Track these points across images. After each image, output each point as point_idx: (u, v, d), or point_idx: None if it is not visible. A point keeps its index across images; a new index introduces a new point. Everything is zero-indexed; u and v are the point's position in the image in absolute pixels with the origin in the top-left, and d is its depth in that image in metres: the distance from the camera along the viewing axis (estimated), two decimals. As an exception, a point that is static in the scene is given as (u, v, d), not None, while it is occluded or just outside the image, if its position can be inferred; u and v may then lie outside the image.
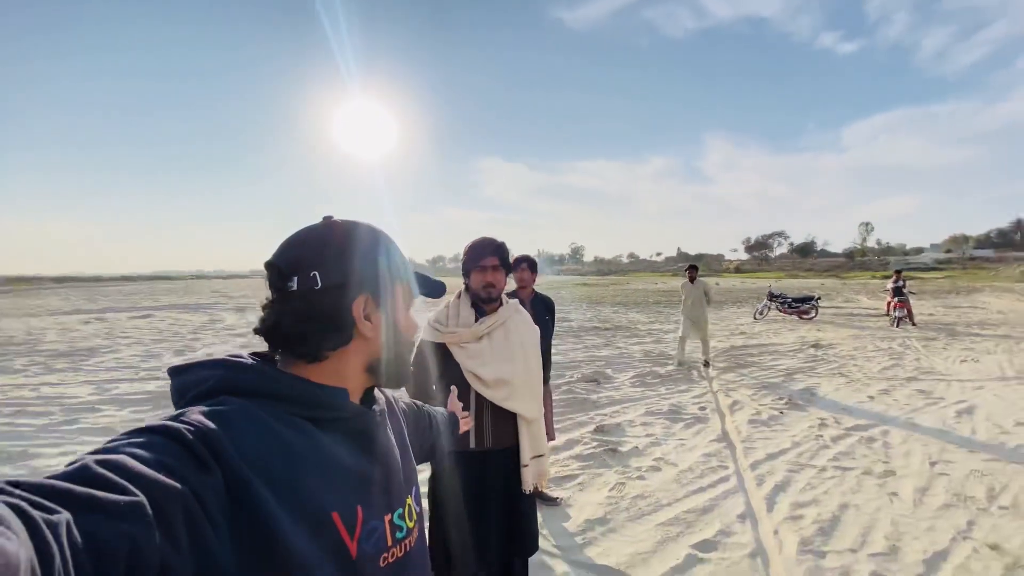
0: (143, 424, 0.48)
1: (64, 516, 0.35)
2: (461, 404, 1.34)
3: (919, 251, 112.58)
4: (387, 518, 0.65)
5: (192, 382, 0.58)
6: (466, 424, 1.28)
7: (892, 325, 11.55)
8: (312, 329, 0.63)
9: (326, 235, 0.66)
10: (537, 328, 1.93)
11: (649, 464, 3.64)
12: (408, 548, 0.68)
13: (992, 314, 14.16)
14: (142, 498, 0.40)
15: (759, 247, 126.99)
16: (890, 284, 12.25)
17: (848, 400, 5.35)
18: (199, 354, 0.63)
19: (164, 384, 5.83)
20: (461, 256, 1.83)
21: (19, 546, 0.30)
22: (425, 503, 1.61)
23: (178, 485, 0.43)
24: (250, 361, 0.61)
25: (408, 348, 0.73)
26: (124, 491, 0.39)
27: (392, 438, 0.74)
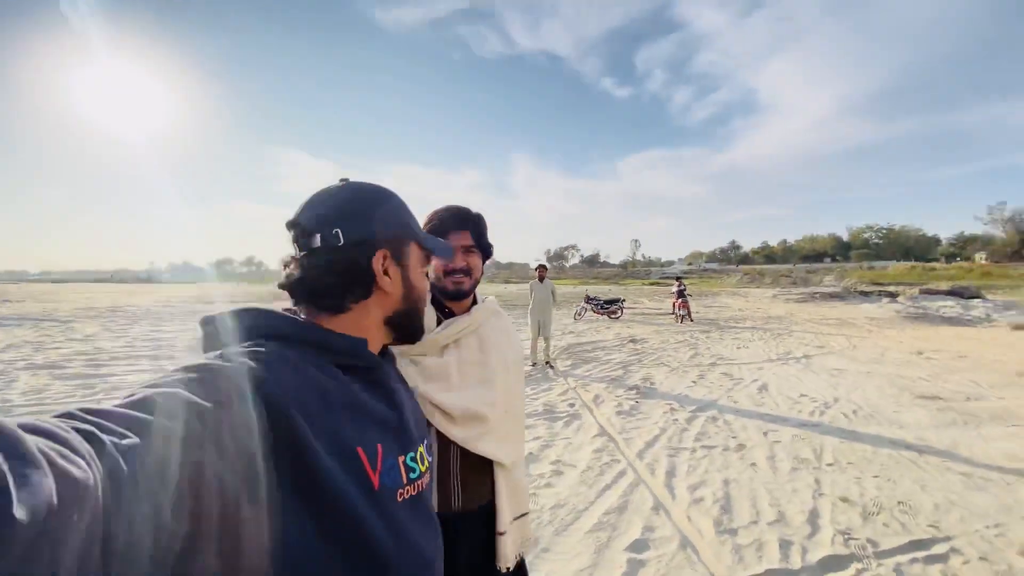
0: (189, 362, 0.50)
1: (133, 441, 0.37)
2: None
3: (670, 263, 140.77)
4: (401, 459, 0.65)
5: (227, 328, 0.59)
6: None
7: (677, 321, 13.93)
8: (335, 282, 0.65)
9: (346, 195, 0.69)
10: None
11: (550, 469, 3.49)
12: (420, 488, 0.69)
13: (736, 311, 18.24)
14: (199, 425, 0.42)
15: (557, 258, 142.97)
16: (675, 288, 14.82)
17: (679, 386, 6.09)
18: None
19: None
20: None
21: (88, 472, 0.31)
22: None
23: (230, 416, 0.46)
24: (279, 310, 0.64)
25: (422, 304, 0.77)
26: (184, 420, 0.42)
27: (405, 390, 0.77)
